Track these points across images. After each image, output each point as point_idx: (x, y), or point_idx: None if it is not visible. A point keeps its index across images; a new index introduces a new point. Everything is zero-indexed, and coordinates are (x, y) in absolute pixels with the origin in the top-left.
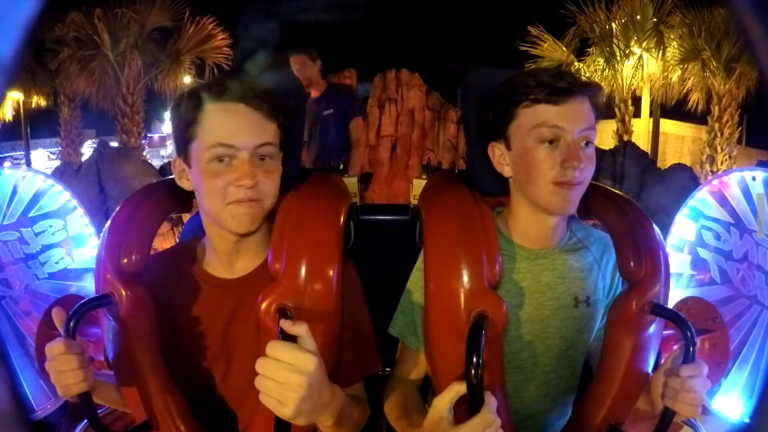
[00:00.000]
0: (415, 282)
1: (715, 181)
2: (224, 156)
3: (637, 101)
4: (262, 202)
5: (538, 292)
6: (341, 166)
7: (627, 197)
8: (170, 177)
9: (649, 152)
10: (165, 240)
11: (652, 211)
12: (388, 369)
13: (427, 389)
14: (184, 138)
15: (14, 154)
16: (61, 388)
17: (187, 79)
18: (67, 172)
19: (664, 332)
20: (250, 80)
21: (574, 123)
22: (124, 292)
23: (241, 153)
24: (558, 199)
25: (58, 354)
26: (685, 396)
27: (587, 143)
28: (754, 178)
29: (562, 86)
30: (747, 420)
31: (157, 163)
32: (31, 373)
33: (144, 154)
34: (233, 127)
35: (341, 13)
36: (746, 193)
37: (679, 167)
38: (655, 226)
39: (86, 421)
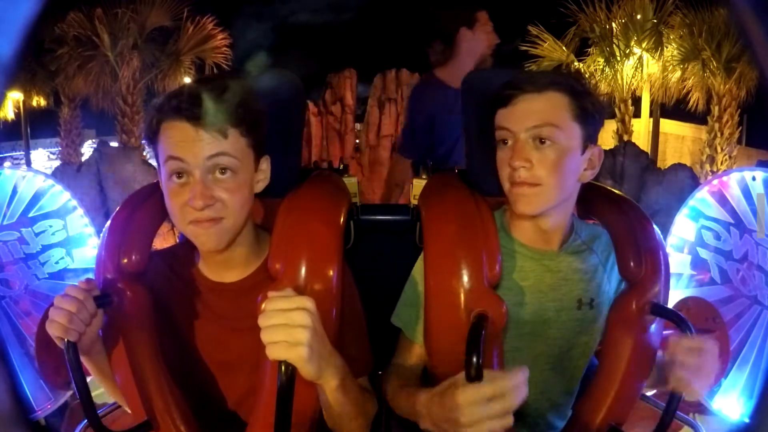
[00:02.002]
0: (419, 272)
1: (715, 181)
2: (180, 171)
3: (637, 101)
4: (224, 220)
5: (541, 292)
6: (341, 166)
7: (627, 197)
8: None
9: (649, 152)
10: (165, 240)
11: (652, 211)
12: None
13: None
14: (154, 152)
15: (14, 154)
16: (48, 324)
17: (187, 80)
18: (67, 172)
19: (664, 332)
20: (201, 90)
21: (519, 122)
22: (124, 292)
23: (194, 171)
24: (514, 200)
25: (64, 293)
26: (696, 372)
27: (544, 141)
28: (754, 178)
29: (511, 87)
30: (747, 420)
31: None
32: (31, 373)
33: (144, 154)
34: (180, 142)
35: (341, 13)
36: (746, 193)
37: (679, 167)
38: (655, 226)
39: (86, 421)
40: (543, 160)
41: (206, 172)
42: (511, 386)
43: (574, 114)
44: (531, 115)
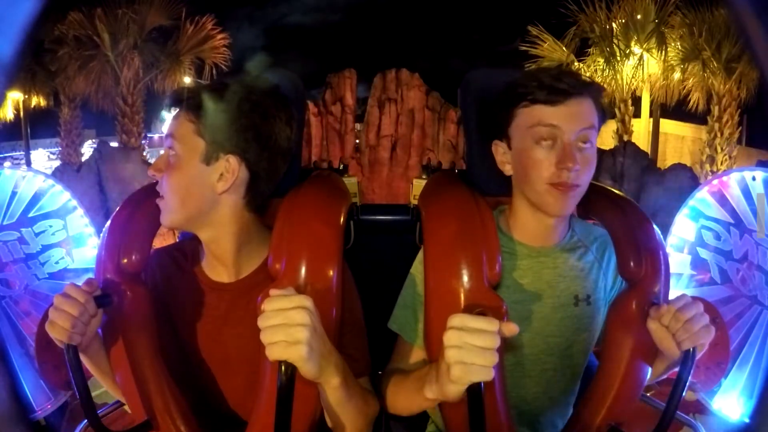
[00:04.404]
0: (417, 275)
1: (715, 181)
2: None
3: (637, 101)
4: (163, 200)
5: (539, 289)
6: (341, 166)
7: (627, 197)
8: None
9: (649, 152)
10: (165, 240)
11: (652, 211)
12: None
13: None
14: None
15: (14, 154)
16: (49, 326)
17: (187, 80)
18: (67, 173)
19: None
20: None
21: (571, 123)
22: (124, 292)
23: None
24: (552, 200)
25: (65, 293)
26: (691, 327)
27: (586, 143)
28: (754, 178)
29: (560, 87)
30: (747, 420)
31: None
32: (31, 373)
33: (144, 154)
34: None
35: (341, 13)
36: (746, 193)
37: (678, 167)
38: (655, 226)
39: (86, 421)
40: (584, 162)
41: (166, 149)
42: (489, 323)
43: (598, 119)
44: (582, 116)
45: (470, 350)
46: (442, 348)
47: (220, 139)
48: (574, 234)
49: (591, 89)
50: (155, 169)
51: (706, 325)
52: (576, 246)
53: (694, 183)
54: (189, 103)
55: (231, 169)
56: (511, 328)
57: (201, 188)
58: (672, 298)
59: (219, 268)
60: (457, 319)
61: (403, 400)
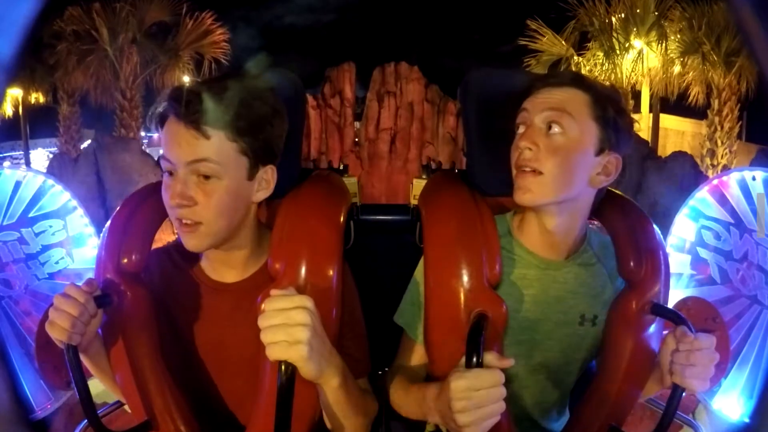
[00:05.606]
0: (422, 271)
1: (715, 181)
2: (170, 170)
3: (636, 96)
4: (201, 226)
5: (544, 302)
6: (341, 166)
7: (627, 197)
8: None
9: None
10: (163, 233)
11: (653, 198)
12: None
13: None
14: None
15: (13, 153)
16: (49, 326)
17: (186, 76)
18: (64, 161)
19: (664, 332)
20: (197, 89)
21: (537, 106)
22: (124, 292)
23: (178, 169)
24: (515, 188)
25: (65, 293)
26: (692, 370)
27: (553, 128)
28: (754, 178)
29: (539, 79)
30: (747, 420)
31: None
32: (31, 373)
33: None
34: (171, 142)
35: (342, 9)
36: (746, 193)
37: (679, 155)
38: (655, 226)
39: (86, 421)
40: (550, 146)
41: (189, 173)
42: (494, 379)
43: (593, 114)
44: (551, 102)
45: (482, 410)
46: (450, 406)
47: (262, 153)
48: (589, 247)
49: (571, 78)
50: (186, 198)
51: (707, 377)
52: (589, 262)
53: (695, 170)
54: (232, 122)
55: (268, 177)
56: (509, 363)
57: (244, 203)
58: (702, 335)
59: (221, 269)
60: (458, 391)
61: (406, 410)
